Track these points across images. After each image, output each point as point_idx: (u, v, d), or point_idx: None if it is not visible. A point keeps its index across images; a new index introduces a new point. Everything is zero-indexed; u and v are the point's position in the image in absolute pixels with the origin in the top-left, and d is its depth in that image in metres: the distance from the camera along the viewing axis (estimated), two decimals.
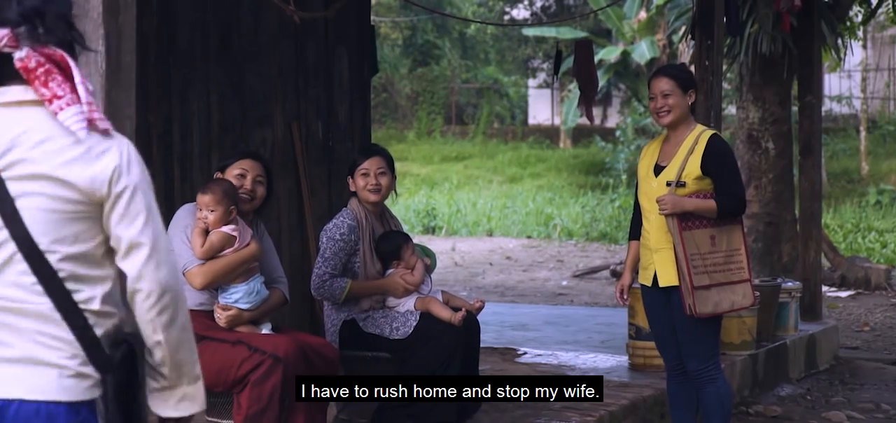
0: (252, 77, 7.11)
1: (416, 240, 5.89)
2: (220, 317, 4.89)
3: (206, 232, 4.85)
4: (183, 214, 4.99)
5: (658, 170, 5.48)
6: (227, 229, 4.87)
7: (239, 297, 4.92)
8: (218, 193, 4.87)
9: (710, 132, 5.51)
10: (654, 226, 5.44)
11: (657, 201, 5.38)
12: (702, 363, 5.47)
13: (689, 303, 5.30)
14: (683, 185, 5.37)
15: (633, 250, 5.70)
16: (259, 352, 4.72)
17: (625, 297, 5.73)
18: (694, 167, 5.37)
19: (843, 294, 13.25)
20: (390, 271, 5.60)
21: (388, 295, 5.58)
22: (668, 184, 5.38)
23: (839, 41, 11.22)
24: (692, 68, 7.91)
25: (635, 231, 5.67)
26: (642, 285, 5.63)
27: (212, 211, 4.86)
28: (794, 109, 11.80)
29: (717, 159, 5.40)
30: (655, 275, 5.47)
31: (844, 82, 26.68)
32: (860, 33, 16.69)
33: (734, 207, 5.43)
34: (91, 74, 3.39)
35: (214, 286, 4.91)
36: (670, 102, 5.46)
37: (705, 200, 5.36)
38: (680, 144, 5.45)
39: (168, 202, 6.41)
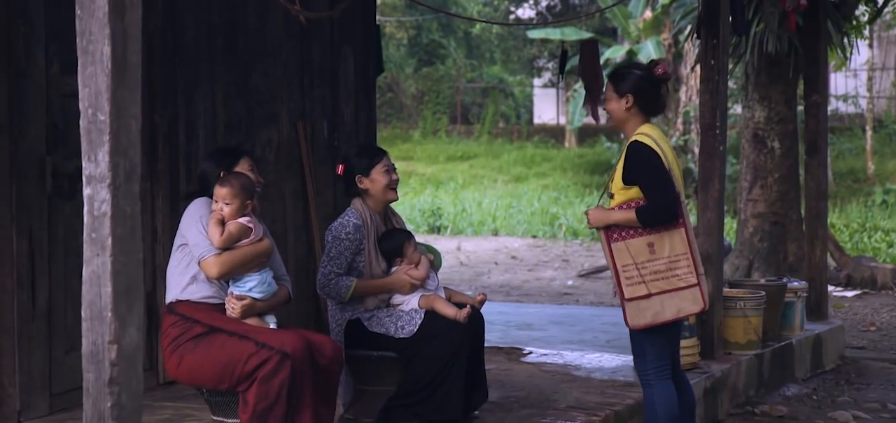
0: (257, 77, 7.11)
1: (421, 239, 5.89)
2: (234, 307, 4.90)
3: (222, 223, 4.87)
4: (197, 205, 5.00)
5: None
6: (243, 220, 4.90)
7: (253, 286, 4.94)
8: (235, 186, 4.91)
9: (632, 138, 5.18)
10: None
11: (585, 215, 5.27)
12: (639, 367, 5.28)
13: (624, 314, 5.15)
14: (612, 196, 5.20)
15: None
16: (266, 348, 4.72)
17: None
18: (618, 177, 5.17)
19: (849, 294, 13.22)
20: (394, 268, 5.60)
21: (394, 292, 5.58)
22: (609, 196, 5.25)
23: (845, 40, 11.19)
24: (697, 68, 7.88)
25: None
26: None
27: (227, 204, 4.89)
28: (800, 108, 11.79)
29: (632, 166, 5.12)
30: None
31: (850, 82, 26.64)
32: (866, 32, 16.68)
33: (654, 215, 5.08)
34: (97, 74, 3.39)
35: (227, 278, 4.92)
36: (608, 106, 5.30)
37: (627, 211, 5.11)
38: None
39: (173, 202, 6.42)
